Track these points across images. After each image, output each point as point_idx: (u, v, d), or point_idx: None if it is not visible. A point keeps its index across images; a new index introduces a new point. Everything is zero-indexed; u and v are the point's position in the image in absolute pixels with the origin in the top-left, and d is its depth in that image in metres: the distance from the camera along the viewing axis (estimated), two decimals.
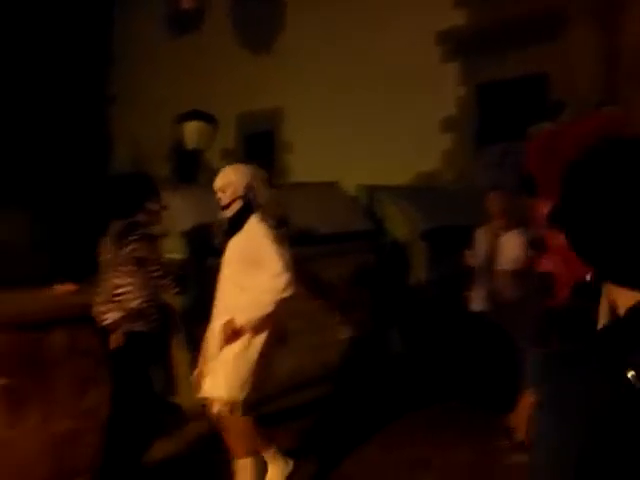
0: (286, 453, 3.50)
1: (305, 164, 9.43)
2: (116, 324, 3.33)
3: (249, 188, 3.32)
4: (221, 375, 3.20)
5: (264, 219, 3.30)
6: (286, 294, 3.13)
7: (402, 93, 8.68)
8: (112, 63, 12.80)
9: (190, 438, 4.22)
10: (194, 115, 9.09)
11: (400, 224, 6.35)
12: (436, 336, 5.67)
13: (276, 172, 9.76)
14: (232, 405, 3.20)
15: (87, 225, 4.49)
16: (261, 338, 3.25)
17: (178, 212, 4.47)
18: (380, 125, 9.00)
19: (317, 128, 9.66)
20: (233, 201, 3.31)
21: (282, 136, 10.75)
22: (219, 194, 3.35)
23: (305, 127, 9.93)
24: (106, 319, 3.35)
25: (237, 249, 3.31)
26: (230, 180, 3.33)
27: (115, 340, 3.33)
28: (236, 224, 3.32)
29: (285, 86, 10.13)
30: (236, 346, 3.18)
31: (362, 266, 5.85)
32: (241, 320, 3.15)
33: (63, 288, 3.96)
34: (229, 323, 3.15)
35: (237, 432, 3.29)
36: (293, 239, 3.70)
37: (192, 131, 9.17)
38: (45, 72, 11.45)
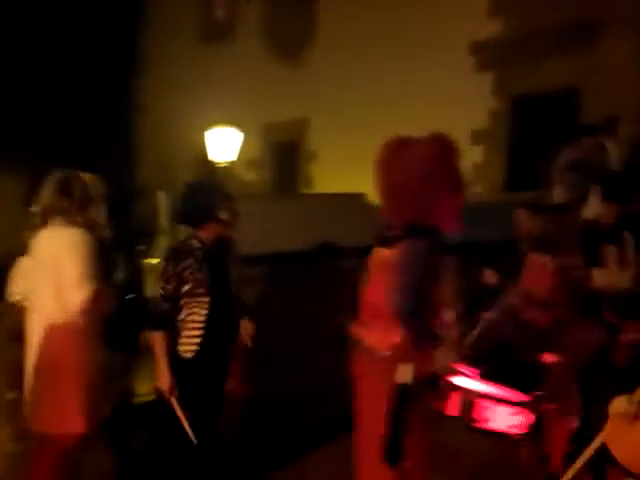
0: None
1: (329, 175, 9.26)
2: None
3: None
4: None
5: None
6: None
7: (433, 103, 8.39)
8: (142, 72, 12.83)
9: None
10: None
11: None
12: None
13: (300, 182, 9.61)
14: None
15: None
16: None
17: None
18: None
19: (342, 141, 9.47)
20: None
21: (307, 146, 10.63)
22: None
23: (330, 139, 9.76)
24: None
25: None
26: None
27: None
28: None
29: (312, 97, 10.00)
30: None
31: None
32: None
33: None
34: None
35: None
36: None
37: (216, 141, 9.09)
38: (69, 77, 11.38)
